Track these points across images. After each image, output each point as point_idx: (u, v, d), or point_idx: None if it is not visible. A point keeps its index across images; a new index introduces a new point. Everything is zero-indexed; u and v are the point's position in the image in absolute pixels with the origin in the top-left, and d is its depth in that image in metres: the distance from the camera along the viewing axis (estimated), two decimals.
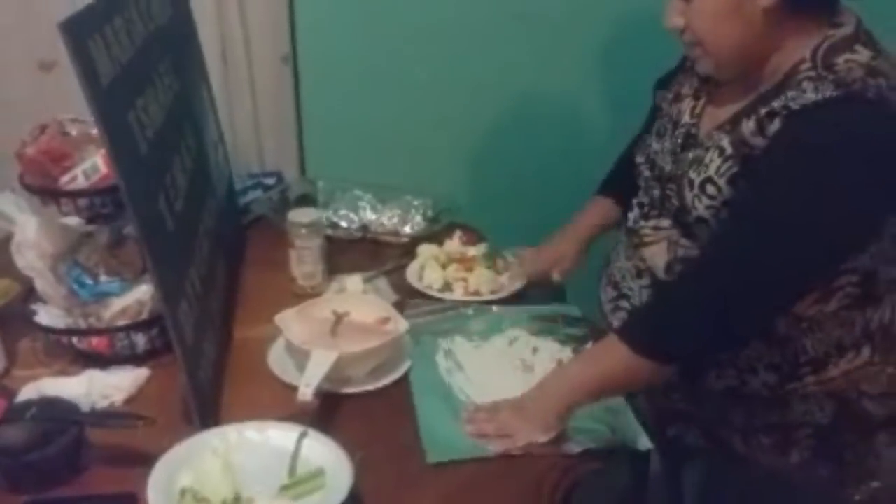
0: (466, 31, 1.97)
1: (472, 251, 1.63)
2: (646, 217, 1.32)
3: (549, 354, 1.37)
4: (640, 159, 1.36)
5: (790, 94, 1.09)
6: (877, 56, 1.09)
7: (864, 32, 1.12)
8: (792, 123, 1.06)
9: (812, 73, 1.09)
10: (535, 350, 1.38)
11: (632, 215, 1.35)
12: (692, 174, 1.19)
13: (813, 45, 1.11)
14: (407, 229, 1.79)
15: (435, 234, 1.75)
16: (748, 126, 1.12)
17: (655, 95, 1.40)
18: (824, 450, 1.23)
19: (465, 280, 1.56)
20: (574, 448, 1.16)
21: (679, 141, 1.26)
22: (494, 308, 1.50)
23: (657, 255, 1.27)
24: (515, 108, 2.06)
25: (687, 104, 1.29)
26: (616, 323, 1.34)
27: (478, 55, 1.99)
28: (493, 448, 1.15)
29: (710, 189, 1.16)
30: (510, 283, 1.57)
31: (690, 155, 1.22)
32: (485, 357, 1.37)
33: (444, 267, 1.59)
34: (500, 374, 1.32)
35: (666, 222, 1.27)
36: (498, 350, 1.39)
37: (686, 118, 1.27)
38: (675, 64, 1.38)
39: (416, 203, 1.82)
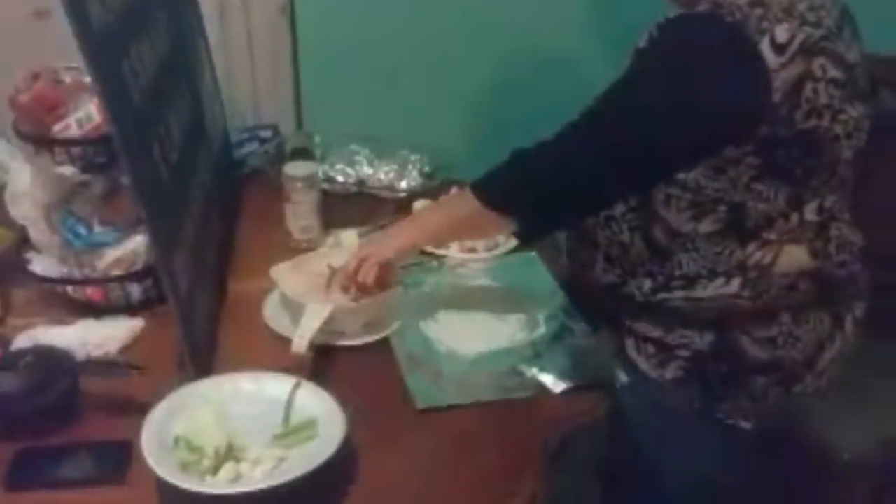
0: None
1: None
2: None
3: (519, 301, 1.38)
4: None
5: (682, 10, 1.14)
6: None
7: None
8: (654, 34, 1.13)
9: None
10: (504, 298, 1.39)
11: None
12: None
13: None
14: (403, 184, 1.78)
15: (431, 189, 1.74)
16: (642, 38, 1.17)
17: None
18: (695, 375, 1.26)
19: None
20: (556, 388, 1.19)
21: None
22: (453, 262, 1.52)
23: None
24: (515, 63, 2.04)
25: None
26: None
27: (479, 9, 1.97)
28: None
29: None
30: (506, 240, 1.57)
31: None
32: (456, 308, 1.37)
33: None
34: (475, 324, 1.34)
35: None
36: (469, 300, 1.40)
37: None
38: None
39: (412, 158, 1.81)
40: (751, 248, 1.21)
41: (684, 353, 1.26)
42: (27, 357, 1.11)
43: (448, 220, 1.29)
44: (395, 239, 1.31)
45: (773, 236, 1.21)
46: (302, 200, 1.54)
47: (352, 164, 1.81)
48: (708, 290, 1.23)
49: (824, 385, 1.31)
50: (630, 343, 1.29)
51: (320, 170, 1.70)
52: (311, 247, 1.53)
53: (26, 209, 1.29)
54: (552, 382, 1.20)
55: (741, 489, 1.36)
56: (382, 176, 1.79)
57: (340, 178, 1.79)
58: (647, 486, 1.36)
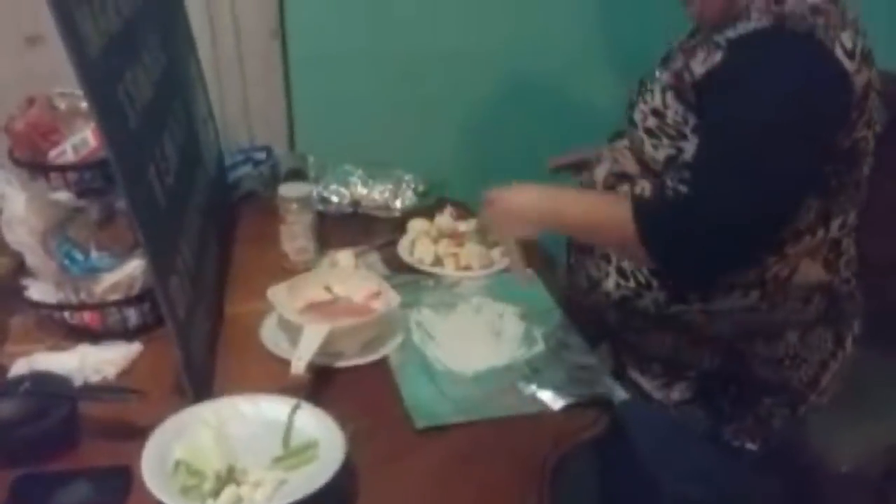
0: (459, 4, 1.96)
1: (463, 226, 1.63)
2: (615, 138, 1.39)
3: (515, 318, 1.38)
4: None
5: (739, 25, 1.14)
6: (833, 1, 1.13)
7: None
8: (729, 54, 1.13)
9: (762, 5, 1.14)
10: (500, 316, 1.39)
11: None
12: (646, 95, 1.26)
13: None
14: (398, 204, 1.78)
15: (426, 209, 1.75)
16: (701, 53, 1.18)
17: None
18: (701, 395, 1.27)
19: (455, 255, 1.56)
20: (555, 405, 1.19)
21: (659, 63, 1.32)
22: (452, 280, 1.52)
23: (600, 171, 1.35)
24: (507, 83, 2.06)
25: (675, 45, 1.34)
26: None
27: (469, 29, 1.99)
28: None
29: (647, 96, 1.24)
30: (501, 258, 1.57)
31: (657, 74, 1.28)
32: (454, 326, 1.38)
33: (435, 242, 1.59)
34: (472, 342, 1.33)
35: (622, 142, 1.34)
36: (465, 318, 1.40)
37: (675, 41, 1.32)
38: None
39: (406, 178, 1.82)
40: (770, 261, 1.21)
41: (692, 373, 1.26)
42: (25, 383, 1.11)
43: (592, 225, 1.22)
44: (523, 225, 1.24)
45: (793, 251, 1.21)
46: (297, 221, 1.54)
47: (346, 184, 1.81)
48: (726, 303, 1.23)
49: (825, 403, 1.32)
50: (633, 363, 1.30)
51: (315, 191, 1.71)
52: (307, 268, 1.53)
53: (22, 235, 1.29)
54: (551, 399, 1.20)
55: None
56: (377, 196, 1.80)
57: (335, 199, 1.80)
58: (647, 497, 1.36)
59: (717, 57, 1.15)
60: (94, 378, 1.21)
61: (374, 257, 1.59)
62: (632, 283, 1.27)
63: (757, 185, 1.09)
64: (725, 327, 1.24)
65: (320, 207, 1.70)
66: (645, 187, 1.26)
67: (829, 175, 1.16)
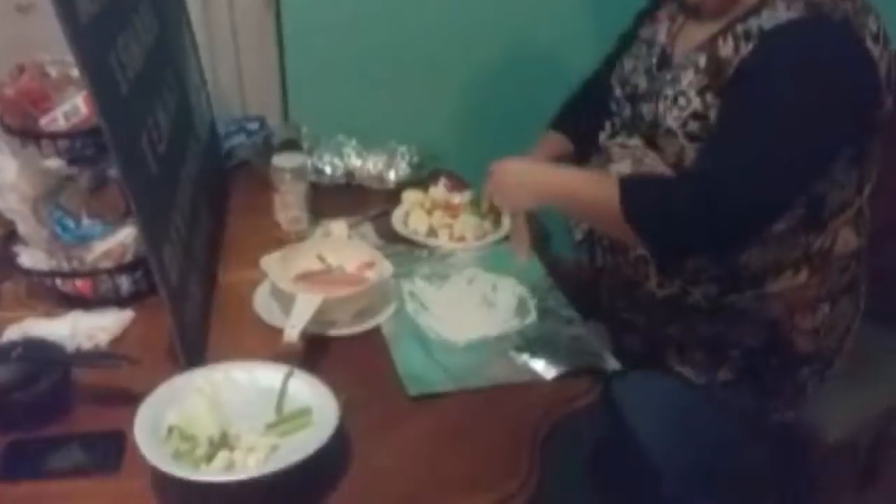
0: None
1: (458, 198, 1.62)
2: (614, 135, 1.36)
3: (509, 289, 1.38)
4: (612, 78, 1.40)
5: (764, 13, 1.14)
6: None
7: None
8: (765, 43, 1.13)
9: None
10: (494, 287, 1.39)
11: (602, 134, 1.39)
12: (667, 91, 1.24)
13: None
14: (392, 175, 1.78)
15: (420, 180, 1.74)
16: (725, 45, 1.18)
17: (634, 26, 1.44)
18: (750, 372, 1.29)
19: (450, 226, 1.56)
20: (548, 374, 1.19)
21: (654, 60, 1.31)
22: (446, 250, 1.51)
23: (621, 170, 1.32)
24: (502, 54, 2.05)
25: (663, 25, 1.33)
26: (578, 235, 1.41)
27: (465, 2, 1.97)
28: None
29: (681, 101, 1.22)
30: (495, 229, 1.57)
31: (668, 76, 1.26)
32: (447, 296, 1.38)
33: (429, 213, 1.59)
34: (465, 312, 1.33)
35: (633, 141, 1.31)
36: (458, 289, 1.40)
37: (661, 38, 1.32)
38: None
39: (401, 149, 1.81)
40: (812, 235, 1.23)
41: (735, 353, 1.27)
42: (17, 349, 1.11)
43: (586, 203, 1.26)
44: (521, 199, 1.31)
45: (834, 223, 1.24)
46: (290, 191, 1.53)
47: (340, 155, 1.80)
48: (778, 284, 1.24)
49: (844, 366, 1.34)
50: (673, 354, 1.30)
51: (308, 161, 1.70)
52: (300, 238, 1.53)
53: (13, 203, 1.28)
54: (543, 368, 1.20)
55: (732, 475, 1.37)
56: (371, 167, 1.79)
57: (329, 170, 1.79)
58: (639, 472, 1.37)
59: (750, 47, 1.15)
60: (87, 345, 1.21)
61: (368, 228, 1.59)
62: (676, 282, 1.27)
63: (770, 168, 1.12)
64: (778, 307, 1.25)
65: (314, 178, 1.70)
66: None
67: (865, 148, 1.19)
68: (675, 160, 1.25)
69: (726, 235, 1.17)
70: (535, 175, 1.30)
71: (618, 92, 1.37)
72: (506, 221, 1.56)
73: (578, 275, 1.43)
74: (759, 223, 1.18)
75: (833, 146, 1.17)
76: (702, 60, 1.21)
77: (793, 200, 1.18)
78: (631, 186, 1.19)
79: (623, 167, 1.31)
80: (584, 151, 1.49)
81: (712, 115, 1.19)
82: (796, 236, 1.23)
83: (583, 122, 1.48)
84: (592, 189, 1.25)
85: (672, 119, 1.22)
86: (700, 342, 1.30)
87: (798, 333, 1.28)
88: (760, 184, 1.12)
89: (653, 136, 1.27)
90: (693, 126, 1.20)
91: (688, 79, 1.22)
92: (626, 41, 1.43)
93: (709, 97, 1.19)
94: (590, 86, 1.56)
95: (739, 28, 1.17)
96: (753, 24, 1.16)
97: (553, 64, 2.07)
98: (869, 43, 1.11)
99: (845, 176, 1.21)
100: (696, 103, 1.20)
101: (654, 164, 1.27)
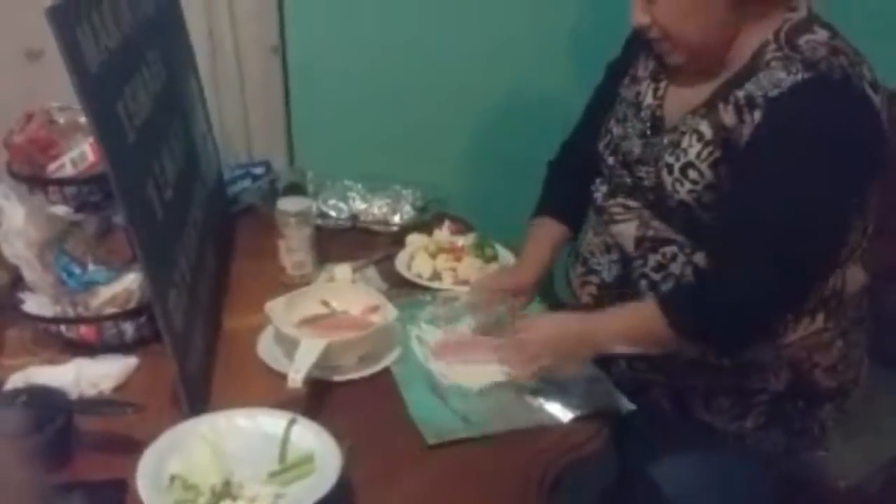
0: (456, 22, 1.97)
1: (461, 241, 1.63)
2: (613, 195, 1.34)
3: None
4: (601, 146, 1.37)
5: (762, 77, 1.14)
6: (834, 36, 1.16)
7: (816, 15, 1.19)
8: (773, 112, 1.12)
9: (779, 54, 1.15)
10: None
11: (599, 194, 1.38)
12: (669, 158, 1.23)
13: (774, 28, 1.17)
14: (396, 219, 1.79)
15: (424, 223, 1.75)
16: (726, 112, 1.17)
17: (608, 79, 1.44)
18: (777, 416, 1.28)
19: (454, 269, 1.56)
20: (565, 417, 1.19)
21: (648, 124, 1.30)
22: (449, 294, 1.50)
23: (626, 232, 1.31)
24: (505, 100, 2.06)
25: (647, 86, 1.32)
26: (585, 298, 1.37)
27: (468, 46, 2.00)
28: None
29: (692, 174, 1.20)
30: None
31: (666, 140, 1.25)
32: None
33: (433, 256, 1.59)
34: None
35: (634, 202, 1.30)
36: (465, 334, 1.39)
37: (649, 100, 1.31)
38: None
39: (405, 193, 1.83)
40: (824, 281, 1.23)
41: (763, 397, 1.27)
42: (21, 396, 1.10)
43: (632, 342, 1.23)
44: (577, 360, 1.25)
45: (844, 266, 1.25)
46: (295, 236, 1.54)
47: (345, 199, 1.82)
48: (797, 332, 1.24)
49: (860, 396, 1.35)
50: (700, 405, 1.29)
51: (314, 205, 1.71)
52: (305, 282, 1.53)
53: (20, 249, 1.29)
54: (560, 411, 1.20)
55: None
56: (376, 210, 1.80)
57: (333, 214, 1.80)
58: None
59: (756, 116, 1.14)
60: (90, 392, 1.21)
61: (372, 271, 1.60)
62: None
63: (801, 257, 1.13)
64: (798, 352, 1.25)
65: (319, 222, 1.70)
66: (696, 254, 1.24)
67: (869, 194, 1.20)
68: (686, 227, 1.24)
69: (776, 319, 1.20)
70: (571, 338, 1.23)
71: (610, 160, 1.35)
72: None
73: None
74: (802, 298, 1.20)
75: (852, 211, 1.19)
76: (704, 128, 1.19)
77: (825, 270, 1.20)
78: (672, 310, 1.17)
79: (629, 228, 1.30)
80: (579, 225, 1.48)
81: (726, 186, 1.17)
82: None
83: (573, 198, 1.46)
84: (637, 324, 1.22)
85: (685, 192, 1.20)
86: (725, 391, 1.29)
87: (819, 371, 1.28)
88: (793, 274, 1.13)
89: (656, 203, 1.26)
90: (708, 198, 1.19)
91: (695, 150, 1.19)
92: (605, 98, 1.42)
93: (722, 170, 1.17)
94: (570, 153, 1.53)
95: (739, 94, 1.16)
96: (753, 90, 1.14)
97: (558, 108, 2.08)
98: (869, 91, 1.12)
99: (858, 221, 1.22)
100: (710, 176, 1.18)
101: (664, 228, 1.26)
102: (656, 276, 1.27)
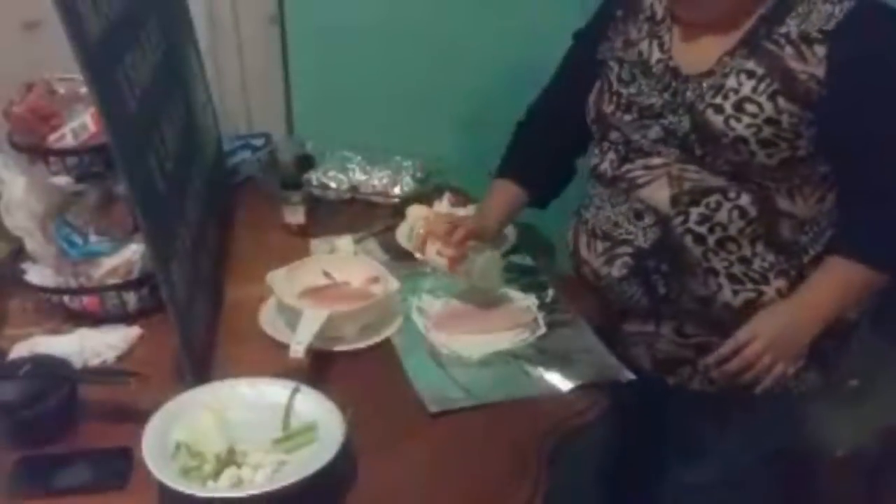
0: None
1: (461, 212, 1.63)
2: (628, 160, 1.33)
3: (514, 303, 1.39)
4: (609, 109, 1.35)
5: (802, 11, 1.19)
6: None
7: None
8: (839, 46, 1.16)
9: None
10: (500, 300, 1.40)
11: (606, 164, 1.36)
12: (715, 99, 1.22)
13: None
14: (396, 190, 1.79)
15: (424, 195, 1.75)
16: (779, 47, 1.19)
17: (582, 48, 1.46)
18: (815, 356, 1.29)
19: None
20: (564, 386, 1.20)
21: (667, 77, 1.28)
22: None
23: (657, 193, 1.29)
24: (506, 70, 2.05)
25: (648, 44, 1.32)
26: (617, 272, 1.34)
27: (469, 15, 1.98)
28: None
29: (750, 108, 1.20)
30: (500, 242, 1.57)
31: (704, 84, 1.24)
32: (455, 311, 1.38)
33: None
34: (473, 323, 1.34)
35: (658, 159, 1.29)
36: (466, 304, 1.40)
37: (657, 55, 1.30)
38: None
39: (405, 164, 1.82)
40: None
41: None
42: (25, 366, 1.11)
43: (842, 300, 1.26)
44: (798, 349, 1.26)
45: None
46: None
47: (344, 170, 1.82)
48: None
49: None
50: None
51: (314, 176, 1.71)
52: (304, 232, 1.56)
53: (21, 220, 1.29)
54: (559, 381, 1.21)
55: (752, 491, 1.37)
56: (376, 182, 1.80)
57: (333, 185, 1.80)
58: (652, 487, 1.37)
59: (818, 51, 1.16)
60: (94, 361, 1.22)
61: (373, 243, 1.60)
62: (749, 286, 1.27)
63: None
64: None
65: (319, 192, 1.70)
66: (742, 196, 1.25)
67: None
68: (733, 167, 1.23)
69: None
70: (800, 320, 1.26)
71: (626, 118, 1.32)
72: (509, 233, 1.57)
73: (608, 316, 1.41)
74: None
75: None
76: (752, 66, 1.20)
77: None
78: (865, 252, 1.22)
79: (659, 189, 1.28)
80: (540, 193, 1.50)
81: (784, 120, 1.19)
82: (835, 210, 1.27)
83: (536, 162, 1.48)
84: (838, 283, 1.25)
85: (743, 127, 1.20)
86: None
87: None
88: None
89: (691, 149, 1.25)
90: (767, 132, 1.20)
91: (748, 86, 1.20)
92: (579, 65, 1.44)
93: (781, 101, 1.19)
94: (538, 120, 1.53)
95: (783, 31, 1.19)
96: (802, 25, 1.18)
97: None
98: None
99: None
100: (769, 109, 1.19)
101: (702, 177, 1.25)
102: (701, 230, 1.26)
